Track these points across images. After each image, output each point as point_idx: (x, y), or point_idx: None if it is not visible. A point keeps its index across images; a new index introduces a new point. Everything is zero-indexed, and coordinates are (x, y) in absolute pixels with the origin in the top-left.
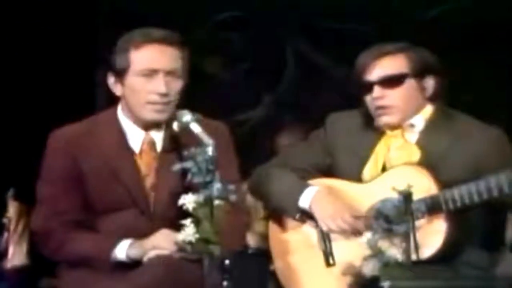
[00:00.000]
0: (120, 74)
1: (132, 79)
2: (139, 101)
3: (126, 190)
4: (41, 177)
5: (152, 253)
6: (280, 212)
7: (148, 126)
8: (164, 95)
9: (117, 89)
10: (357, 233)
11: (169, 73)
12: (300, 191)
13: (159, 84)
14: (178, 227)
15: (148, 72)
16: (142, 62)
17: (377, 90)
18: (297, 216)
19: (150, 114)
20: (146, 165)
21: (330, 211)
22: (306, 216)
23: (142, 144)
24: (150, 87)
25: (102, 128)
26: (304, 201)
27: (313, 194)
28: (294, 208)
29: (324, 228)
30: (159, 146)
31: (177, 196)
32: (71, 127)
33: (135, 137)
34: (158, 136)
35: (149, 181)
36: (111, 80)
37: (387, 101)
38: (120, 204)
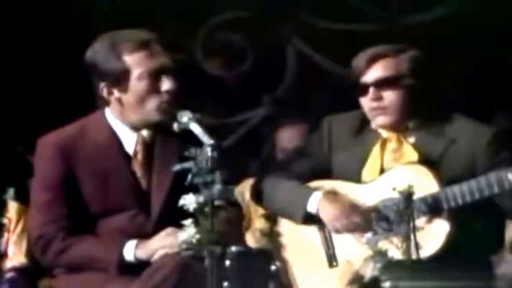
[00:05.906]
0: (118, 80)
1: (136, 82)
2: (145, 103)
3: (123, 192)
4: (34, 184)
5: (160, 253)
6: (285, 218)
7: (140, 127)
8: (171, 93)
9: (111, 95)
10: (364, 233)
11: (169, 71)
12: (307, 197)
13: (166, 83)
14: (176, 227)
15: (153, 73)
16: (145, 64)
17: (373, 92)
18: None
19: (156, 115)
20: (141, 166)
21: (338, 214)
22: (312, 220)
23: (136, 144)
24: (157, 87)
25: (93, 131)
26: (312, 206)
27: (319, 198)
28: (302, 213)
29: (333, 230)
30: (152, 146)
31: (174, 195)
32: (60, 132)
33: (128, 138)
34: (150, 136)
35: (145, 182)
36: (101, 86)
37: (383, 103)
38: (117, 206)
